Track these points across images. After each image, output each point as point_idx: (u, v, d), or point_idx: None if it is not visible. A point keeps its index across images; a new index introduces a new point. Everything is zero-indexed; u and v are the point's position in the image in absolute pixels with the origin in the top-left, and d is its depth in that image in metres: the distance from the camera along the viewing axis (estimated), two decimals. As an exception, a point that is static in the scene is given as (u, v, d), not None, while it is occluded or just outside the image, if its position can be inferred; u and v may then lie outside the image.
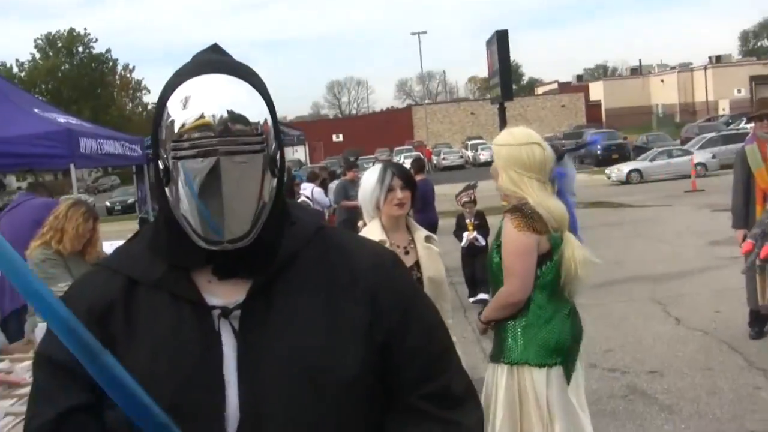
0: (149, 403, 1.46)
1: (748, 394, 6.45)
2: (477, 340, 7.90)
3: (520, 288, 3.89)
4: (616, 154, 45.37)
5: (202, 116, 1.50)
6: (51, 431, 1.56)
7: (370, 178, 4.37)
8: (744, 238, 7.50)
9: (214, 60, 1.61)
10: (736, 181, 7.91)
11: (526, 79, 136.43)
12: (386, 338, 1.65)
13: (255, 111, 1.56)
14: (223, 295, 1.62)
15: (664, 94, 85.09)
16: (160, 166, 1.56)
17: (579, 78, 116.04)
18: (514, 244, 3.89)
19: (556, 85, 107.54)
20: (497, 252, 3.99)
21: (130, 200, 40.40)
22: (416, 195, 4.39)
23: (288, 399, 1.55)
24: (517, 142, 3.98)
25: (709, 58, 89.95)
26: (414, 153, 57.11)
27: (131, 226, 19.09)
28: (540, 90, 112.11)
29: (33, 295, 1.43)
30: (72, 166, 9.48)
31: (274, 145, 1.60)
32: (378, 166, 4.51)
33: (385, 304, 1.66)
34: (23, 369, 4.22)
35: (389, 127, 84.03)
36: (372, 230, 4.29)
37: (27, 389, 3.88)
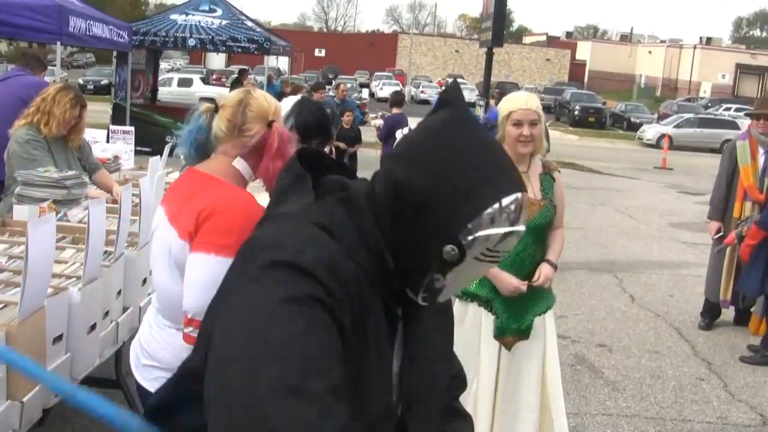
0: None
1: (690, 384, 6.62)
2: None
3: None
4: (593, 117, 45.49)
5: (514, 234, 1.56)
6: None
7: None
8: (718, 231, 7.68)
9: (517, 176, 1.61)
10: (720, 174, 7.94)
11: (515, 26, 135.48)
12: None
13: None
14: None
15: (649, 65, 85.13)
16: (449, 250, 1.53)
17: (569, 35, 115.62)
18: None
19: (544, 38, 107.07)
20: (551, 205, 4.32)
21: (104, 81, 39.93)
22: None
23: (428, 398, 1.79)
24: None
25: (700, 38, 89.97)
26: (393, 81, 57.07)
27: (103, 109, 18.88)
28: (528, 40, 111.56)
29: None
30: (59, 43, 9.33)
31: None
32: (291, 102, 3.67)
33: None
34: (-1, 252, 4.20)
35: (373, 51, 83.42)
36: None
37: (2, 275, 3.87)
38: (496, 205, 1.51)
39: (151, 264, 2.88)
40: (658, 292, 9.56)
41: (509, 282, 4.19)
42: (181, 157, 2.86)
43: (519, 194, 1.54)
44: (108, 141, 7.92)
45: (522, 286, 4.20)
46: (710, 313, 8.19)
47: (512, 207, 1.53)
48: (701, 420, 5.94)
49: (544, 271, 4.27)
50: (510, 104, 4.21)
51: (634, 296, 9.27)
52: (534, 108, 4.15)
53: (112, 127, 8.41)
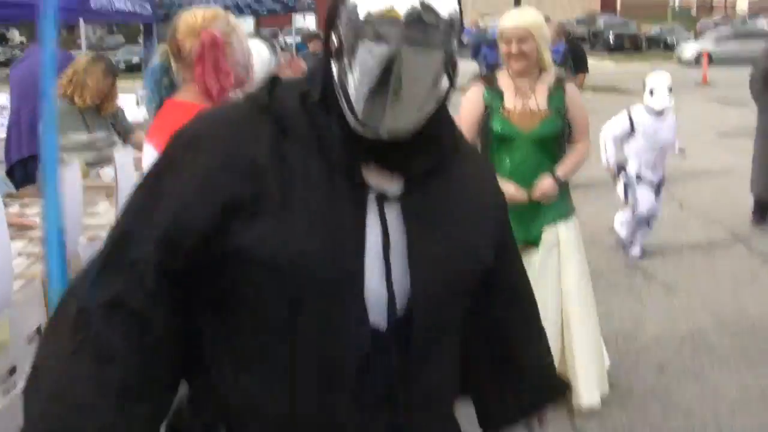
0: None
1: (747, 279, 6.51)
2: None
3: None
4: (629, 42, 44.77)
5: (392, 8, 1.40)
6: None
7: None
8: None
9: None
10: None
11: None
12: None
13: (446, 6, 1.44)
14: (374, 179, 1.54)
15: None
16: (333, 39, 1.48)
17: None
18: (583, 105, 4.33)
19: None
20: (559, 116, 4.17)
21: (135, 59, 40.01)
22: None
23: (434, 293, 1.56)
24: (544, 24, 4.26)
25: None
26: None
27: (135, 85, 18.91)
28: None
29: None
30: (81, 21, 9.31)
31: (455, 46, 1.50)
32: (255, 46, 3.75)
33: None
34: (34, 212, 4.24)
35: None
36: None
37: (38, 232, 3.90)
38: None
39: None
40: (707, 197, 9.39)
41: (506, 189, 4.07)
42: (140, 95, 2.99)
43: None
44: (138, 105, 7.93)
45: (518, 193, 4.11)
46: (762, 210, 8.03)
47: None
48: (762, 311, 5.83)
49: (541, 183, 4.16)
50: (502, 21, 4.21)
51: (683, 203, 9.11)
52: (522, 25, 4.08)
53: (140, 92, 8.39)
